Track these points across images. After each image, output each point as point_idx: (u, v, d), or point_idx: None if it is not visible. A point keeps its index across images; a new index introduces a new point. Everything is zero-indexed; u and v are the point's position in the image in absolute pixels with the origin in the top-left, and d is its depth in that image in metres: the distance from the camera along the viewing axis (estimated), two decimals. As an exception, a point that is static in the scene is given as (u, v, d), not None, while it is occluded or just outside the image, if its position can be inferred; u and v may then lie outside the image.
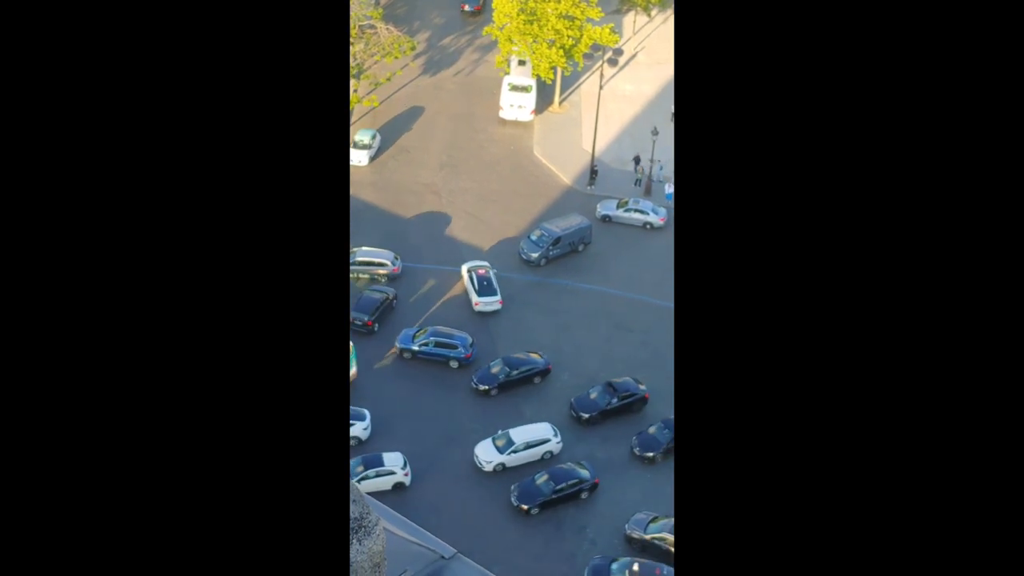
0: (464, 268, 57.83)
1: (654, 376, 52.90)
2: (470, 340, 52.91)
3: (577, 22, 67.73)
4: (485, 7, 77.54)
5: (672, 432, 47.39)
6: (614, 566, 42.77)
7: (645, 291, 58.18)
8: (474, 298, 56.25)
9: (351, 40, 67.18)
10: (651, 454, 48.28)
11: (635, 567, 42.53)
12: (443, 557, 25.33)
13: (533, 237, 59.44)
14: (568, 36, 67.38)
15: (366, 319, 53.59)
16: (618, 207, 63.09)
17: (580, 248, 59.79)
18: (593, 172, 65.77)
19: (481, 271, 57.13)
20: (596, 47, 72.67)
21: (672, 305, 56.80)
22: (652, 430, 49.08)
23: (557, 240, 58.93)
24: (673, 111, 71.57)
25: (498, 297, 56.52)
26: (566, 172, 66.72)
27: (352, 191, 63.79)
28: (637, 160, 66.29)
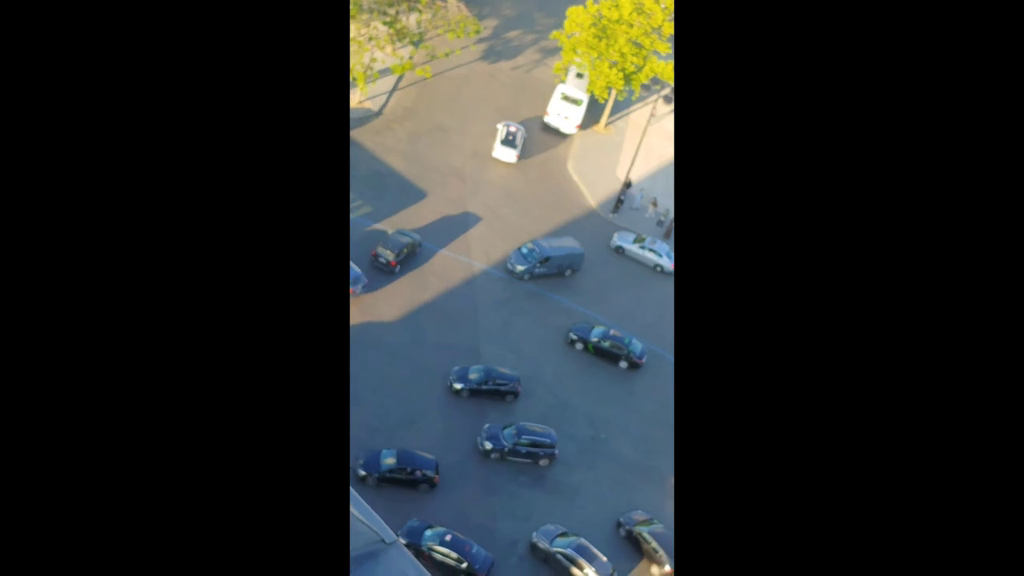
0: (500, 124, 66.29)
1: (616, 411, 52.88)
2: (365, 281, 53.56)
3: (644, 51, 67.57)
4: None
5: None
6: (428, 532, 43.46)
7: (637, 330, 57.98)
8: (496, 147, 65.04)
9: (419, 8, 66.90)
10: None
11: (448, 537, 43.21)
12: (383, 541, 25.08)
13: (523, 250, 58.94)
14: (632, 62, 67.20)
15: (391, 258, 54.84)
16: (634, 242, 62.91)
17: (567, 273, 59.37)
18: (619, 201, 65.59)
19: (513, 128, 65.71)
20: (656, 81, 72.54)
21: (660, 351, 56.66)
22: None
23: (546, 259, 58.47)
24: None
25: (516, 151, 65.32)
26: (593, 193, 66.54)
27: (382, 155, 63.48)
28: (628, 184, 66.07)
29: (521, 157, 65.93)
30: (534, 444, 48.47)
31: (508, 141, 65.63)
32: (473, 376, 51.00)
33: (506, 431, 48.62)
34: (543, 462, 48.67)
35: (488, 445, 48.21)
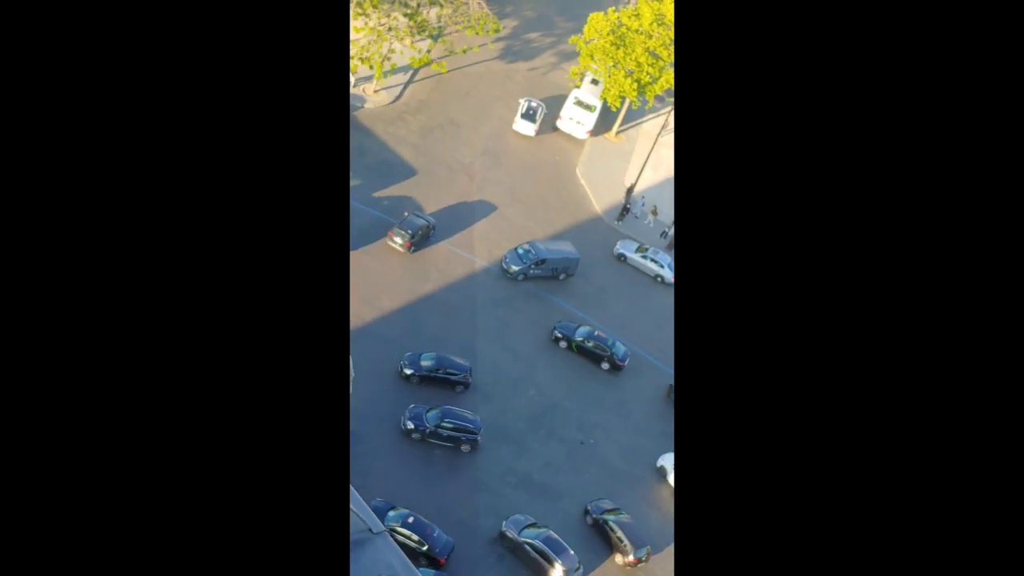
0: (521, 99, 69.38)
1: (602, 417, 53.20)
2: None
3: (660, 63, 67.82)
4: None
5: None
6: (391, 513, 43.82)
7: (632, 338, 58.25)
8: (517, 120, 68.16)
9: (441, 2, 67.08)
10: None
11: (410, 519, 43.55)
12: (370, 531, 25.28)
13: (519, 251, 58.70)
14: (648, 72, 67.44)
15: (406, 239, 56.47)
16: (636, 251, 63.16)
17: (561, 277, 59.35)
18: (625, 209, 65.88)
19: (534, 103, 68.79)
20: (670, 93, 72.70)
21: (656, 362, 56.91)
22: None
23: (542, 261, 58.29)
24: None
25: (535, 126, 68.28)
26: (600, 200, 66.80)
27: (393, 146, 63.68)
28: (629, 190, 66.56)
29: (539, 133, 68.82)
30: (457, 428, 48.13)
31: (528, 115, 68.25)
32: (425, 363, 50.63)
33: (430, 413, 48.25)
34: (464, 447, 48.43)
35: (410, 425, 47.87)
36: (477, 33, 68.55)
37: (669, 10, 66.85)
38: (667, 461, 52.76)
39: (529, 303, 57.86)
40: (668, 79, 67.92)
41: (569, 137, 70.08)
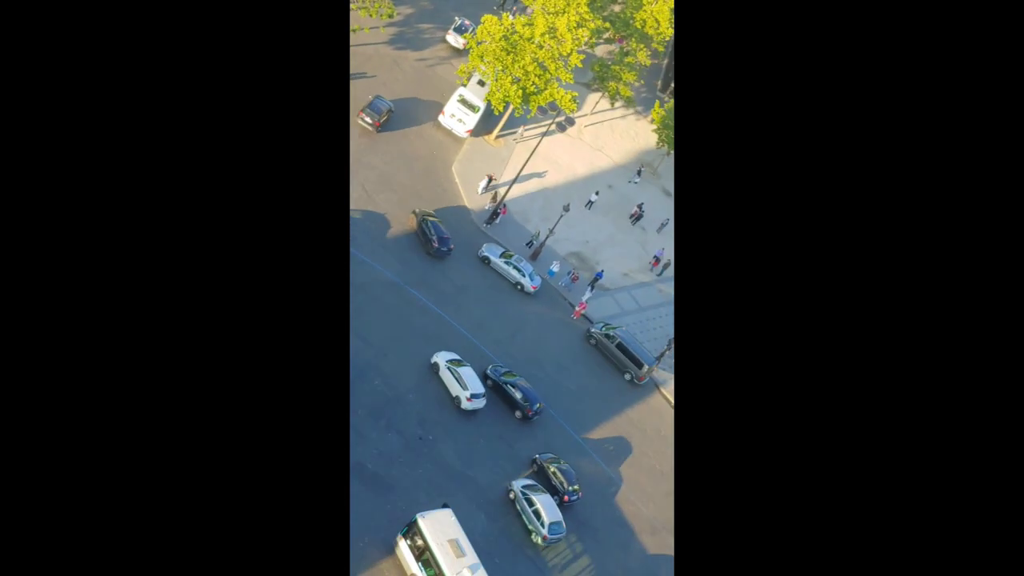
0: (456, 16, 78.86)
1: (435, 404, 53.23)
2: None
3: (547, 75, 68.40)
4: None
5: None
6: None
7: (488, 343, 58.40)
8: (450, 33, 77.88)
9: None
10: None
11: None
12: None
13: None
14: (534, 82, 67.91)
15: (377, 119, 63.79)
16: (501, 256, 63.42)
17: None
18: (495, 214, 66.10)
19: (467, 22, 77.53)
20: (553, 106, 73.43)
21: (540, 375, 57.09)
22: None
23: None
24: (592, 199, 72.67)
25: (464, 41, 76.23)
26: (471, 200, 66.83)
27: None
28: (489, 179, 67.40)
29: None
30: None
31: (460, 29, 77.21)
32: None
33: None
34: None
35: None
36: (370, 15, 67.70)
37: (562, 24, 67.52)
38: (439, 358, 54.35)
39: (388, 293, 57.34)
40: (553, 92, 68.55)
41: (449, 133, 69.92)
